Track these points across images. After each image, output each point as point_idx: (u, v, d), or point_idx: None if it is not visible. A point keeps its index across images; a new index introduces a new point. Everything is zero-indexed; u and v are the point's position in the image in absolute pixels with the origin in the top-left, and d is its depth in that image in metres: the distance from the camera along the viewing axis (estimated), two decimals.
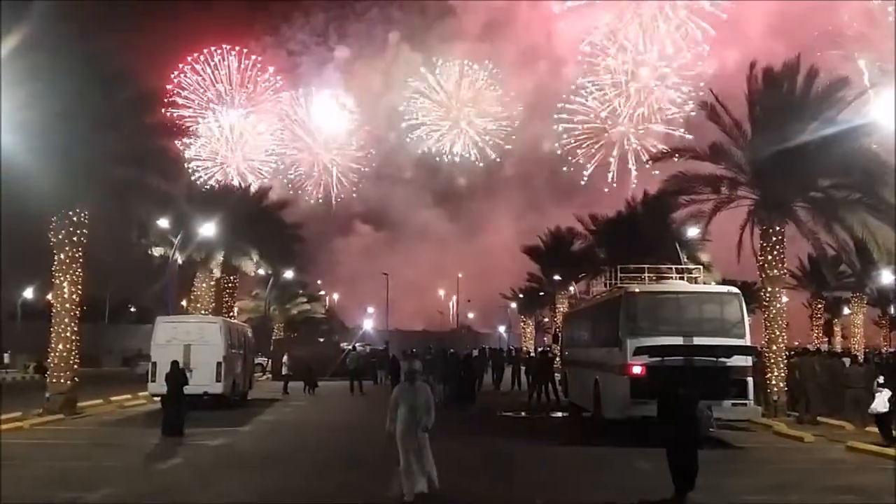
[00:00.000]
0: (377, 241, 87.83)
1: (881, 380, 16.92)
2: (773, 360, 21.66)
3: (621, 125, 76.43)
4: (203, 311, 32.68)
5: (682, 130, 70.20)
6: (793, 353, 25.16)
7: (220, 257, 34.25)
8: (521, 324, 66.34)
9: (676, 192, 23.80)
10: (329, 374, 35.52)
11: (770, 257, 22.03)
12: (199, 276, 34.66)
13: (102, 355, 53.96)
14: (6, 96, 17.57)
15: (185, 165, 53.76)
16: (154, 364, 21.78)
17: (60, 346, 21.09)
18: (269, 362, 44.86)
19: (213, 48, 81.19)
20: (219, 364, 22.25)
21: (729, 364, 16.14)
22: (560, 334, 29.97)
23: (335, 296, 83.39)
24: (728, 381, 16.16)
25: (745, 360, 16.57)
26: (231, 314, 35.89)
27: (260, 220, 36.36)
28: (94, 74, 19.95)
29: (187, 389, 17.68)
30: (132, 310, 77.24)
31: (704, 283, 22.00)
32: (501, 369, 36.34)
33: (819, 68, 22.24)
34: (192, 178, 59.76)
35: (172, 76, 79.11)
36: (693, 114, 61.33)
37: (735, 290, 17.96)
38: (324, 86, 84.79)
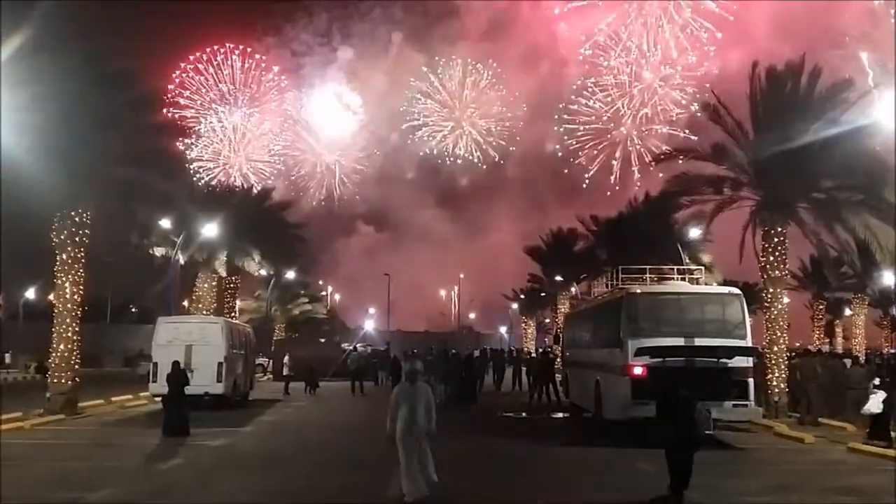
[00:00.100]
0: (379, 241, 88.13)
1: (877, 381, 16.92)
2: (774, 361, 21.62)
3: (624, 126, 76.50)
4: (205, 312, 32.64)
5: (687, 131, 70.32)
6: (794, 354, 25.15)
7: (222, 257, 34.24)
8: (523, 324, 66.24)
9: (678, 193, 23.79)
10: (330, 375, 35.42)
11: (772, 258, 21.97)
12: (200, 276, 34.63)
13: (104, 355, 53.85)
14: (8, 97, 17.56)
15: (188, 166, 53.69)
16: (155, 364, 21.81)
17: (62, 347, 21.08)
18: (271, 363, 44.75)
19: (216, 48, 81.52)
20: (220, 364, 22.24)
21: (730, 365, 16.14)
22: (561, 335, 29.96)
23: (337, 296, 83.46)
24: (729, 382, 16.16)
25: (747, 361, 16.56)
26: (232, 314, 35.89)
27: (262, 220, 36.28)
28: (96, 75, 19.97)
29: (188, 390, 17.71)
30: (134, 310, 77.35)
31: (706, 284, 21.98)
32: (502, 370, 36.37)
33: (822, 68, 22.15)
34: (195, 178, 59.75)
35: (175, 76, 79.38)
36: (698, 115, 61.27)
37: (736, 290, 17.97)
38: (327, 86, 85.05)
